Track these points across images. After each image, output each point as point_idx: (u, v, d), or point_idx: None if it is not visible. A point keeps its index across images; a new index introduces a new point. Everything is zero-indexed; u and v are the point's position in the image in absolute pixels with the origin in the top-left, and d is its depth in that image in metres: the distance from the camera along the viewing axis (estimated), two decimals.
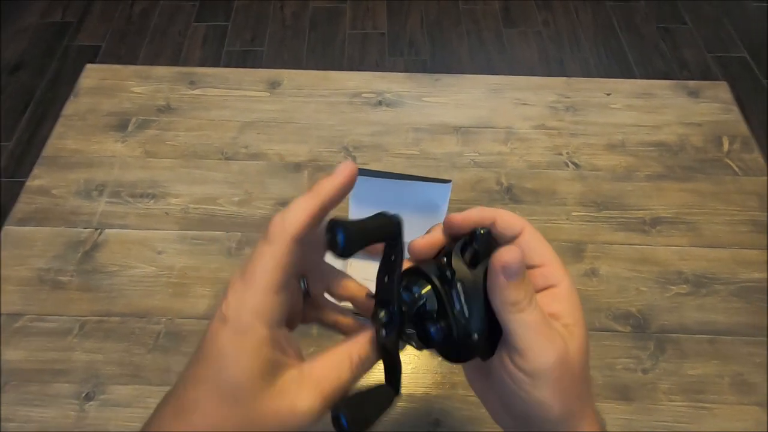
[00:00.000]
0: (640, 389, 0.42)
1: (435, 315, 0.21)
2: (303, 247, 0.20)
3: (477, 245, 0.21)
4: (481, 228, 0.22)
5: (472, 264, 0.22)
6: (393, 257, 0.21)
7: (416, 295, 0.22)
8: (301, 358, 0.21)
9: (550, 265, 0.23)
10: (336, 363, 0.21)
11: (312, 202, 0.20)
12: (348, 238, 0.19)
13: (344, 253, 0.19)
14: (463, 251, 0.22)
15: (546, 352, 0.20)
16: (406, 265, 0.23)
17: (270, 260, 0.20)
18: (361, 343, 0.22)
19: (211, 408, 0.19)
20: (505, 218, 0.23)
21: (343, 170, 0.21)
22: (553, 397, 0.21)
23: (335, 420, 0.19)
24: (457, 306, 0.21)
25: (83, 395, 0.41)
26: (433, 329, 0.21)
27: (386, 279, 0.22)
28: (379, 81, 0.63)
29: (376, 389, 0.22)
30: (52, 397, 0.41)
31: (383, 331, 0.21)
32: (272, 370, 0.19)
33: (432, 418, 0.40)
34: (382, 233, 0.21)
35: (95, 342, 0.44)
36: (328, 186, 0.21)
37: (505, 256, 0.20)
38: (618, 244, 0.50)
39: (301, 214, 0.20)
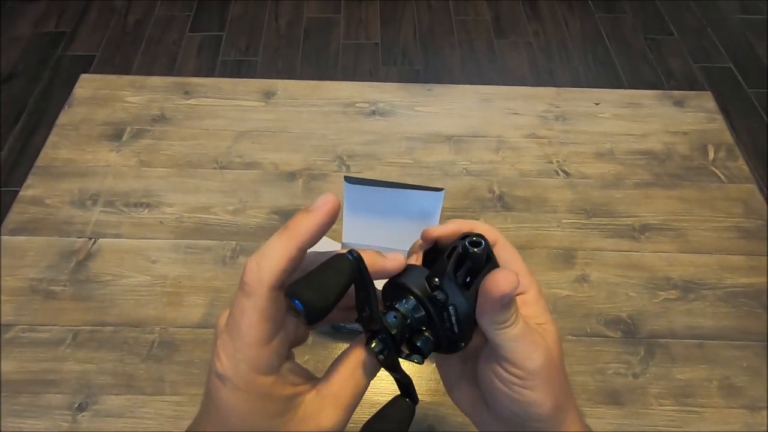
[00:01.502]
0: (630, 394, 0.42)
1: (422, 327, 0.22)
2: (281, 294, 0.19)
3: (472, 263, 0.21)
4: (474, 239, 0.21)
5: (465, 281, 0.21)
6: (363, 293, 0.21)
7: (403, 314, 0.21)
8: (312, 377, 0.21)
9: (520, 275, 0.23)
10: (350, 373, 0.21)
11: (288, 244, 0.19)
12: (312, 309, 0.18)
13: (311, 323, 0.18)
14: (456, 266, 0.21)
15: (534, 356, 0.21)
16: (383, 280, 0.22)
17: (253, 314, 0.18)
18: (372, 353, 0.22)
19: None
20: (481, 230, 0.23)
21: (323, 206, 0.19)
22: (545, 395, 0.21)
23: None
24: (448, 325, 0.21)
25: (76, 406, 0.41)
26: (419, 342, 0.22)
27: (365, 313, 0.21)
28: (372, 91, 0.64)
29: (395, 403, 0.22)
30: (44, 408, 0.41)
31: (381, 357, 0.21)
32: (289, 405, 0.19)
33: (426, 425, 0.41)
34: (346, 279, 0.19)
35: (88, 352, 0.43)
36: (305, 224, 0.19)
37: (501, 284, 0.20)
38: (607, 251, 0.51)
39: (278, 261, 0.19)
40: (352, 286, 0.20)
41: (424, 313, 0.22)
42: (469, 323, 0.21)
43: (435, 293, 0.21)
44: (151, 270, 0.48)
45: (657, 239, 0.52)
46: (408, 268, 0.22)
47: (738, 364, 0.44)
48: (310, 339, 0.44)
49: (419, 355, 0.22)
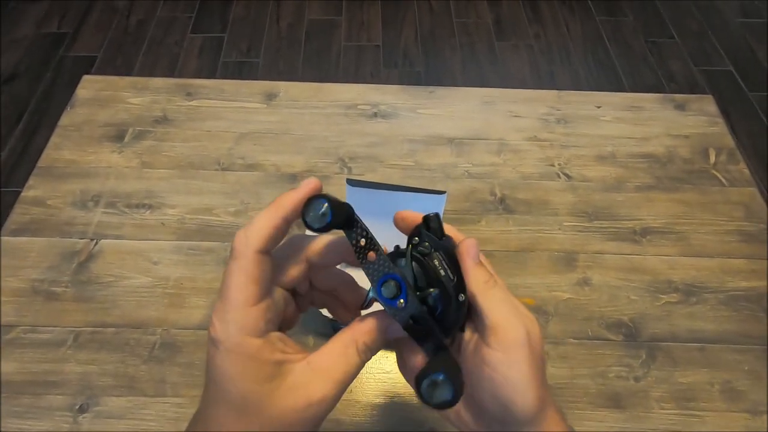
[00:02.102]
0: (632, 397, 0.42)
1: (425, 286, 0.22)
2: (270, 259, 0.21)
3: (434, 224, 0.23)
4: (430, 213, 0.24)
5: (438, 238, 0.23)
6: (363, 241, 0.21)
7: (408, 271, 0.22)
8: (304, 351, 0.22)
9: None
10: (343, 350, 0.22)
11: (274, 215, 0.21)
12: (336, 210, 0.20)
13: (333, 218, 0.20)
14: (425, 230, 0.23)
15: (516, 327, 0.22)
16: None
17: (240, 275, 0.20)
18: (365, 331, 0.22)
19: (231, 422, 0.20)
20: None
21: (307, 184, 0.22)
22: (528, 377, 0.21)
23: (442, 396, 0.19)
24: (442, 272, 0.22)
25: (77, 407, 0.41)
26: (431, 299, 0.22)
27: (375, 265, 0.21)
28: (374, 93, 0.64)
29: (441, 358, 0.21)
30: (45, 409, 0.41)
31: (401, 302, 0.21)
32: (277, 371, 0.20)
33: (427, 428, 0.41)
34: (344, 216, 0.21)
35: (89, 353, 0.43)
36: (289, 199, 0.22)
37: (466, 242, 0.23)
38: (609, 254, 0.51)
39: (263, 229, 0.21)
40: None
41: (423, 272, 0.22)
42: (455, 266, 0.23)
43: (419, 246, 0.23)
44: (152, 271, 0.48)
45: (658, 242, 0.52)
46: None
47: (739, 368, 0.44)
48: (311, 340, 0.44)
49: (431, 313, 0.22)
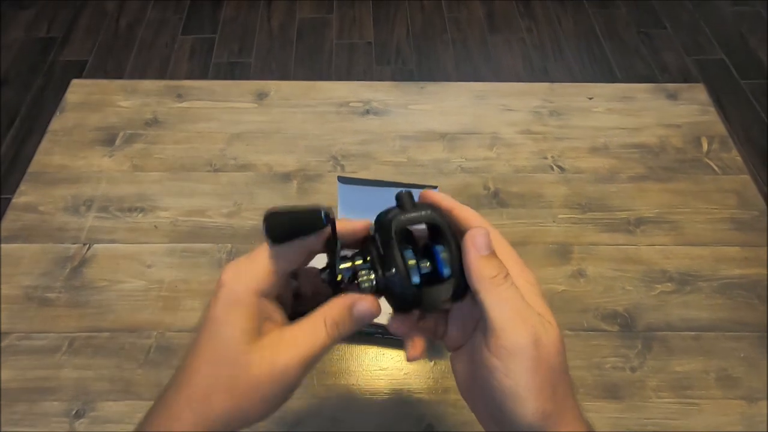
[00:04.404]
0: (628, 387, 0.43)
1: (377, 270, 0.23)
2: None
3: (405, 201, 0.23)
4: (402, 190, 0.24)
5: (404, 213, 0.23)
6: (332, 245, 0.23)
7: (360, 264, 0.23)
8: (288, 325, 0.23)
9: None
10: (312, 327, 0.22)
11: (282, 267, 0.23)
12: (272, 229, 0.22)
13: (274, 242, 0.22)
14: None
15: (519, 332, 0.20)
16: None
17: (270, 256, 0.22)
18: (335, 309, 0.23)
19: (206, 370, 0.21)
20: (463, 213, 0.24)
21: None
22: (528, 388, 0.20)
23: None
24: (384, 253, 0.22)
25: (73, 413, 0.40)
26: (378, 278, 0.22)
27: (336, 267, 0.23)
28: (365, 90, 0.64)
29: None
30: (41, 415, 0.40)
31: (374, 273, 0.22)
32: (257, 332, 0.22)
33: (425, 424, 0.41)
34: (307, 224, 0.22)
35: (85, 358, 0.43)
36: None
37: (472, 231, 0.22)
38: (603, 245, 0.51)
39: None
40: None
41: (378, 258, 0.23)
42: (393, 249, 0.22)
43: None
44: (146, 275, 0.48)
45: (652, 232, 0.52)
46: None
47: (735, 356, 0.44)
48: None
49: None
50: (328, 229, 0.22)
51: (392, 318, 0.24)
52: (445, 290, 0.22)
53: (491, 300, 0.21)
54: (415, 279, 0.22)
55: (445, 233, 0.22)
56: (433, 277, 0.23)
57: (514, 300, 0.21)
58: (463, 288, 0.22)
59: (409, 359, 0.25)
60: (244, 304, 0.22)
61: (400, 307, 0.23)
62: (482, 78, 1.50)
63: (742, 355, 0.44)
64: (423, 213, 0.23)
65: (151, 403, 0.23)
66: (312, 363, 0.22)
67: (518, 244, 0.51)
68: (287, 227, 0.22)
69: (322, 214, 0.21)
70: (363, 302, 0.22)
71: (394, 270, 0.21)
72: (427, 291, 0.22)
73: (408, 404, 0.41)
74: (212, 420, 0.21)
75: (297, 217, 0.22)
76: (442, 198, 0.25)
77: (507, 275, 0.21)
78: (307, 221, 0.21)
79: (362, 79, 1.48)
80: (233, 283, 0.22)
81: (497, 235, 0.24)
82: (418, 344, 0.24)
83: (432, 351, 0.44)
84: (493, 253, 0.22)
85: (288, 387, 0.21)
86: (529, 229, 0.52)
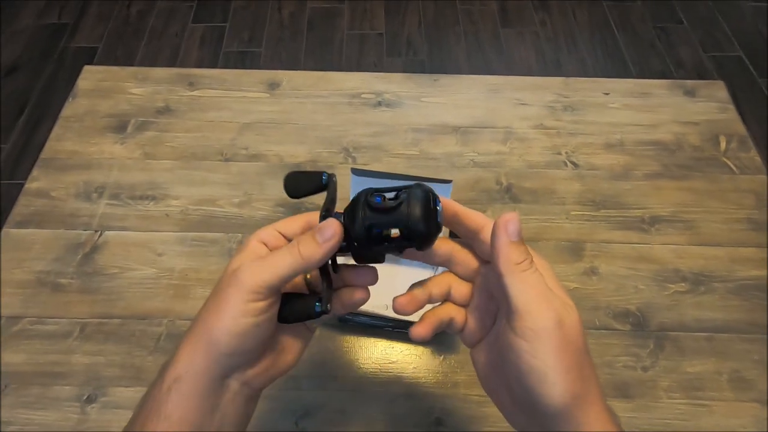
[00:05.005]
0: (640, 387, 0.42)
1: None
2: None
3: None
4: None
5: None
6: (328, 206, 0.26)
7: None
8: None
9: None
10: (287, 249, 0.23)
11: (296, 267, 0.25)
12: (288, 185, 0.27)
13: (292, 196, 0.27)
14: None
15: (544, 314, 0.21)
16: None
17: (291, 263, 0.23)
18: (303, 234, 0.24)
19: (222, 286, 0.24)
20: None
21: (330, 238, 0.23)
22: (556, 369, 0.20)
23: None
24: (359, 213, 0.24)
25: (84, 398, 0.41)
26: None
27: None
28: (378, 81, 0.63)
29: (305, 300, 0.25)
30: (53, 400, 0.41)
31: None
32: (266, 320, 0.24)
33: (433, 418, 0.41)
34: (313, 183, 0.27)
35: (96, 344, 0.43)
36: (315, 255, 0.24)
37: (506, 216, 0.22)
38: (616, 243, 0.50)
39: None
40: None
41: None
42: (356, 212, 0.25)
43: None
44: (157, 262, 0.48)
45: (667, 231, 0.51)
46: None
47: (748, 358, 0.44)
48: (318, 332, 0.44)
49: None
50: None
51: (396, 298, 0.25)
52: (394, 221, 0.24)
53: (517, 284, 0.22)
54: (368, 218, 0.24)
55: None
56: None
57: (538, 284, 0.22)
58: (419, 234, 0.23)
59: (412, 335, 0.25)
60: (259, 243, 0.25)
61: (357, 237, 0.24)
62: (494, 70, 1.48)
63: (755, 357, 0.44)
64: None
65: None
66: (282, 283, 0.23)
67: (530, 240, 0.50)
68: (299, 183, 0.27)
69: (325, 176, 0.27)
70: (324, 223, 0.24)
71: (351, 209, 0.25)
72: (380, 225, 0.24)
73: (416, 398, 0.41)
74: (214, 344, 0.23)
75: (306, 177, 0.27)
76: (446, 204, 0.25)
77: (532, 261, 0.22)
78: (313, 181, 0.27)
79: (373, 69, 1.47)
80: (249, 280, 0.23)
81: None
82: (427, 323, 0.25)
83: (442, 346, 0.44)
84: (521, 240, 0.22)
85: (261, 323, 0.23)
86: (541, 225, 0.52)
